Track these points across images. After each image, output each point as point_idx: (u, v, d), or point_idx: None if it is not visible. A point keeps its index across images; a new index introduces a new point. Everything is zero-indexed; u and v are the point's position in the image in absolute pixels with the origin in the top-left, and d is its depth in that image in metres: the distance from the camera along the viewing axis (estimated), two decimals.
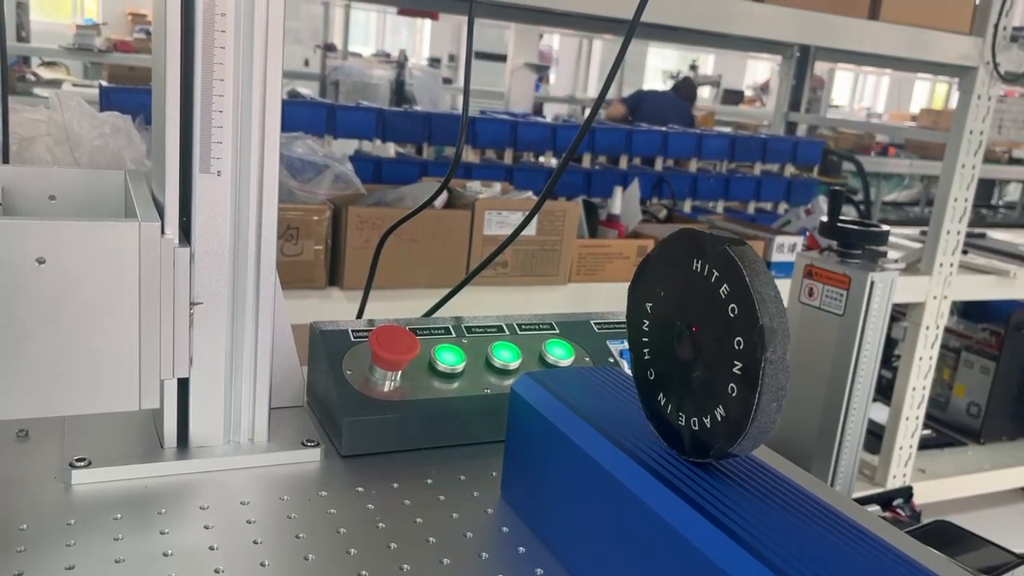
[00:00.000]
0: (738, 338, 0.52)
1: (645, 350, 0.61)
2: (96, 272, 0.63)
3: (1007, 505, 3.02)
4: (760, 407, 0.51)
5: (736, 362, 0.52)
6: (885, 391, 2.82)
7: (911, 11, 2.36)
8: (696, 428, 0.55)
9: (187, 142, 0.68)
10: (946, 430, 3.09)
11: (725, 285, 0.53)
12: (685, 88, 6.05)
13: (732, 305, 0.52)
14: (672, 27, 2.39)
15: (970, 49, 2.41)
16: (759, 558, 0.47)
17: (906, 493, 1.79)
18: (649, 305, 0.61)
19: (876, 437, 2.68)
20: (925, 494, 2.59)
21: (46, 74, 6.26)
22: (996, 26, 2.39)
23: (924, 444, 2.82)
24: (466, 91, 1.00)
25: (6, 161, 1.26)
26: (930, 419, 3.02)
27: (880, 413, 2.70)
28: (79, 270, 0.63)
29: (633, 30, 0.98)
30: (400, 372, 0.81)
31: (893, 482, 2.67)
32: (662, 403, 0.59)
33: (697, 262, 0.55)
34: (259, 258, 0.72)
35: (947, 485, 2.80)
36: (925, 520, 1.53)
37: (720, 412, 0.53)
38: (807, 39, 2.79)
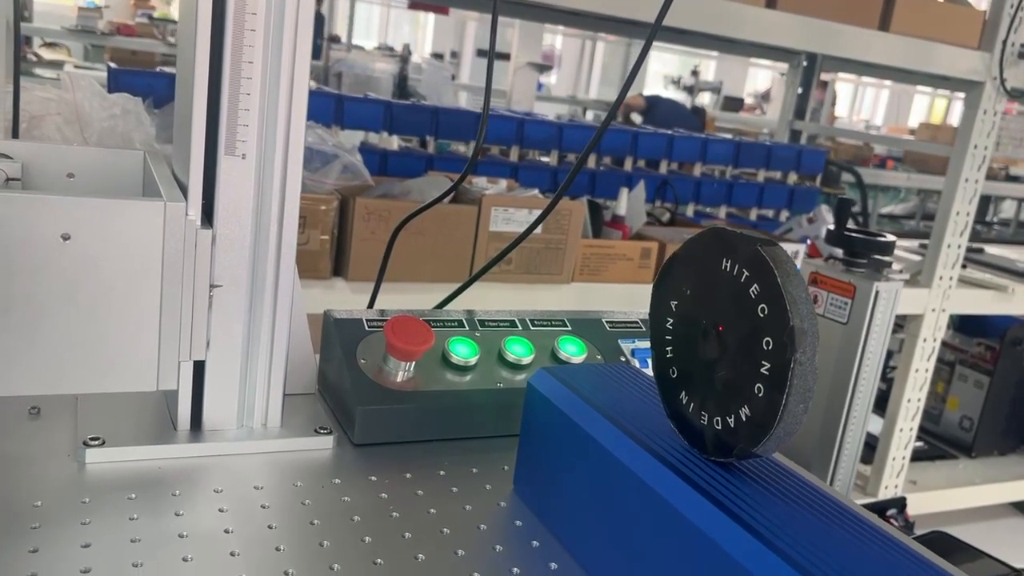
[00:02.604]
0: (767, 338, 0.52)
1: (668, 348, 0.61)
2: (119, 250, 0.63)
3: (997, 519, 3.03)
4: (787, 408, 0.51)
5: (764, 362, 0.52)
6: (879, 402, 2.82)
7: (921, 24, 2.36)
8: (719, 427, 0.55)
9: (213, 123, 0.67)
10: (938, 443, 3.10)
11: (755, 285, 0.53)
12: (699, 115, 6.59)
13: (762, 305, 0.52)
14: (681, 30, 2.39)
15: (977, 64, 2.42)
16: (783, 557, 0.47)
17: (900, 503, 1.80)
18: (674, 303, 0.61)
19: (869, 447, 2.69)
20: (916, 506, 2.59)
21: (47, 55, 6.23)
22: (1004, 42, 2.40)
23: (916, 456, 2.83)
24: (487, 88, 1.00)
25: (15, 138, 1.25)
26: (923, 431, 3.03)
27: (874, 424, 2.71)
28: (102, 247, 0.62)
29: (654, 33, 0.98)
30: (414, 363, 0.81)
31: (885, 492, 2.68)
32: (684, 402, 0.59)
33: (727, 261, 0.55)
34: (280, 242, 0.71)
35: (938, 497, 2.81)
36: (919, 531, 1.53)
37: (745, 412, 0.53)
38: (816, 47, 2.79)
